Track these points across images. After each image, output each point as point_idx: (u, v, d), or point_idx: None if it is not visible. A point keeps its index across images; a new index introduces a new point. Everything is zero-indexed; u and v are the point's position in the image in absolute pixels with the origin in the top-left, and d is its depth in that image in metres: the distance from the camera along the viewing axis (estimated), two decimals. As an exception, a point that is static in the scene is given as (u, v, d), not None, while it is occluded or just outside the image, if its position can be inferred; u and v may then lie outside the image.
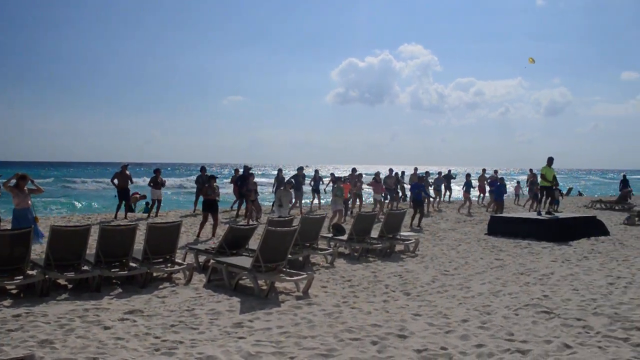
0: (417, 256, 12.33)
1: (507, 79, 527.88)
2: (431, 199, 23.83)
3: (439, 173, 25.97)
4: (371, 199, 23.00)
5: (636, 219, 19.52)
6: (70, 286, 8.60)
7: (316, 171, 23.46)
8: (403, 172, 25.70)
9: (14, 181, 10.55)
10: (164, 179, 20.24)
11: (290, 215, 14.22)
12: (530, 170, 27.47)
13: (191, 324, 6.72)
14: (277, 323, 6.82)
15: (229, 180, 23.63)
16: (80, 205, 33.57)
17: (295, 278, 8.54)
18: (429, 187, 23.60)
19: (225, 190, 28.61)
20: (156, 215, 19.14)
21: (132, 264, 9.00)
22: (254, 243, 10.30)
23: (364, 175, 25.38)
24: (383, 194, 22.12)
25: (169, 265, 9.32)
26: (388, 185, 22.74)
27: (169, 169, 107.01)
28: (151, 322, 6.80)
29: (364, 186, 22.67)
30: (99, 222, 16.21)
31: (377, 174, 22.38)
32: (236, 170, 22.34)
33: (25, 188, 10.56)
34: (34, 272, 8.11)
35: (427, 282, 9.52)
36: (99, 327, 6.53)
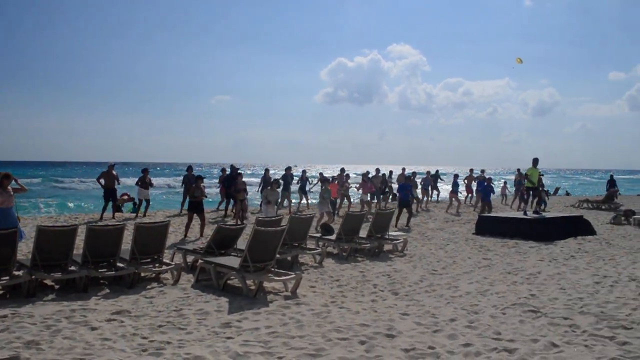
0: (405, 256, 12.36)
1: (495, 79, 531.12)
2: (419, 199, 23.92)
3: (427, 173, 26.05)
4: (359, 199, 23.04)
5: (622, 218, 19.68)
6: (57, 287, 8.54)
7: (303, 171, 23.45)
8: (391, 172, 25.74)
9: None
10: (151, 178, 20.13)
11: (279, 215, 14.20)
12: (518, 170, 27.62)
13: (179, 324, 6.69)
14: (265, 323, 6.81)
15: (217, 180, 23.54)
16: (72, 205, 33.38)
17: (284, 278, 8.54)
18: (417, 188, 23.67)
19: (213, 190, 28.53)
20: (144, 215, 19.06)
21: (120, 264, 8.95)
22: (242, 243, 10.28)
23: (352, 176, 25.45)
24: (370, 195, 22.15)
25: (156, 265, 9.28)
26: (374, 185, 22.78)
27: (159, 168, 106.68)
28: (139, 322, 6.77)
29: (353, 186, 22.71)
30: (86, 222, 16.13)
31: (364, 175, 22.41)
32: (223, 170, 22.28)
33: (9, 187, 10.47)
34: (20, 273, 8.04)
35: (415, 282, 9.54)
36: (85, 327, 6.49)
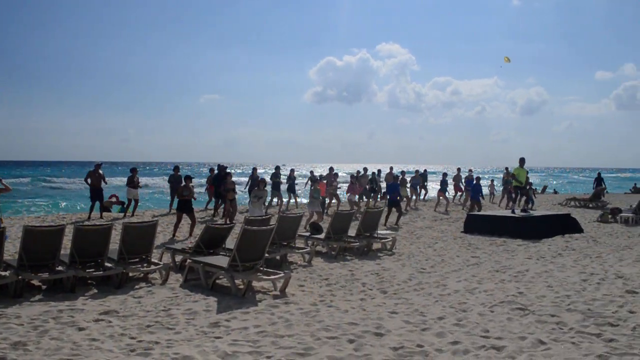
0: (394, 254, 12.38)
1: (484, 79, 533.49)
2: (409, 197, 23.96)
3: (416, 172, 26.11)
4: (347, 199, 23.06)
5: (609, 216, 19.83)
6: (44, 287, 8.48)
7: (292, 170, 23.44)
8: (379, 171, 25.77)
9: None
10: (140, 179, 20.02)
11: (268, 214, 14.19)
12: (506, 168, 27.78)
13: (167, 324, 6.67)
14: (254, 322, 6.80)
15: (206, 180, 23.50)
16: (62, 205, 33.16)
17: (273, 277, 8.53)
18: (406, 186, 23.71)
19: (201, 189, 28.47)
20: (132, 215, 18.96)
21: (108, 264, 8.91)
22: (231, 242, 10.26)
23: (341, 175, 25.48)
24: (358, 195, 22.17)
25: (145, 265, 9.24)
26: (362, 184, 22.81)
27: (148, 168, 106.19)
28: (127, 322, 6.74)
29: (341, 186, 22.72)
30: (74, 222, 16.02)
31: (352, 176, 22.46)
32: (212, 170, 22.22)
33: None
34: (6, 273, 7.97)
35: (404, 280, 9.57)
36: (73, 328, 6.45)
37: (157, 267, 9.22)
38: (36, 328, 6.41)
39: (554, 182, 73.72)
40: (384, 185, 24.13)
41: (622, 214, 19.61)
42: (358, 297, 8.34)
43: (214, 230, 10.39)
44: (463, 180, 25.54)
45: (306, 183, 22.31)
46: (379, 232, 13.39)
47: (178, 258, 10.49)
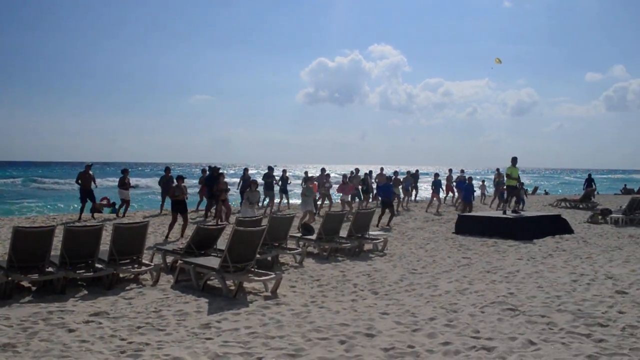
0: (385, 255, 12.40)
1: (475, 80, 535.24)
2: (401, 198, 24.00)
3: (408, 172, 26.15)
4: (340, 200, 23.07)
5: (599, 217, 19.94)
6: (34, 288, 8.44)
7: (284, 171, 23.43)
8: (370, 172, 25.81)
9: None
10: (131, 180, 19.95)
11: (259, 215, 14.17)
12: (497, 169, 27.86)
13: (158, 326, 6.65)
14: (245, 323, 6.79)
15: (198, 181, 23.44)
16: (51, 206, 33.00)
17: (264, 278, 8.52)
18: (400, 187, 23.76)
19: (193, 190, 28.41)
20: (123, 216, 18.91)
21: (98, 265, 8.86)
22: (222, 243, 10.24)
23: (334, 176, 25.48)
24: (350, 196, 22.18)
25: (135, 266, 9.20)
26: (354, 185, 22.83)
27: (140, 169, 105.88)
28: (117, 324, 6.71)
29: (334, 186, 22.72)
30: (64, 223, 15.95)
31: (344, 176, 22.48)
32: (204, 171, 22.18)
33: None
34: (-4, 275, 7.93)
35: (395, 281, 9.58)
36: (63, 329, 6.42)
37: (148, 268, 9.20)
38: (26, 330, 6.38)
39: (546, 184, 74.04)
40: (375, 186, 24.18)
41: (612, 215, 19.71)
42: (349, 298, 8.34)
43: (205, 231, 10.37)
44: (454, 182, 25.63)
45: (302, 184, 22.32)
46: (370, 233, 13.40)
47: (169, 259, 10.47)
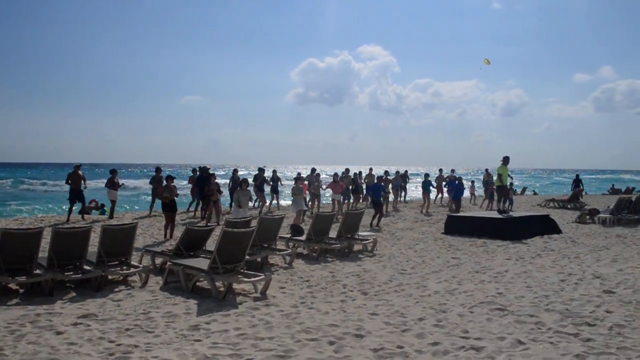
0: (375, 256, 12.41)
1: (464, 81, 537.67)
2: (390, 199, 24.05)
3: (397, 173, 26.20)
4: (330, 200, 23.08)
5: (587, 217, 20.06)
6: (21, 290, 8.37)
7: (274, 171, 23.40)
8: (360, 172, 25.82)
9: None
10: (120, 180, 19.83)
11: (249, 216, 14.14)
12: (486, 170, 27.95)
13: (147, 328, 6.62)
14: (234, 325, 6.78)
15: (187, 181, 23.36)
16: (45, 206, 32.82)
17: (253, 279, 8.50)
18: (389, 186, 23.79)
19: (184, 191, 28.33)
20: (111, 217, 18.80)
21: (86, 267, 8.81)
22: (211, 244, 10.21)
23: (324, 176, 25.48)
24: (342, 195, 22.18)
25: (124, 267, 9.17)
26: (344, 185, 22.82)
27: (130, 169, 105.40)
28: (105, 326, 6.67)
29: (323, 186, 22.72)
30: (53, 225, 15.85)
31: (335, 175, 22.47)
32: (194, 171, 22.12)
33: None
34: (-17, 277, 7.87)
35: (385, 282, 9.59)
36: (51, 332, 6.38)
37: (137, 269, 9.16)
38: (13, 332, 6.33)
39: (536, 183, 74.42)
40: (364, 186, 24.19)
41: (599, 215, 19.85)
42: (339, 298, 8.34)
43: (194, 233, 10.34)
44: (445, 181, 25.68)
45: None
46: (359, 233, 13.41)
47: (158, 260, 10.43)
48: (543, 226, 16.57)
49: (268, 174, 22.90)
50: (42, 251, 8.74)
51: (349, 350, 5.87)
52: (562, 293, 8.52)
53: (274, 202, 23.17)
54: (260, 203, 21.72)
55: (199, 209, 19.48)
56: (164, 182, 15.40)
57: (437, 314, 7.34)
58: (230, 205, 20.04)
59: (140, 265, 9.43)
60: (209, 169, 19.76)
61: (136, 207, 28.00)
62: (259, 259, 10.96)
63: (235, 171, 21.58)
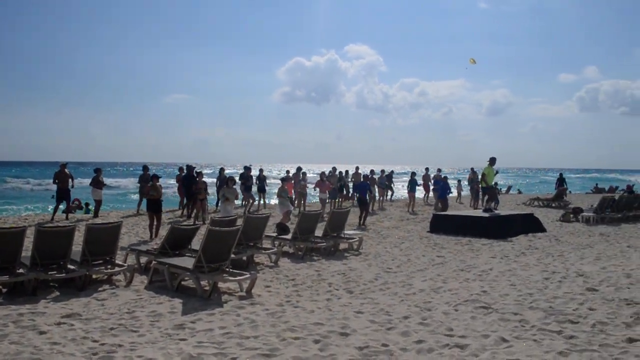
0: (360, 254, 12.44)
1: (450, 80, 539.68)
2: (377, 198, 24.10)
3: (382, 172, 26.26)
4: (317, 198, 23.08)
5: (571, 216, 20.22)
6: (4, 290, 8.28)
7: (260, 170, 23.37)
8: (347, 171, 25.85)
9: None
10: (104, 179, 19.71)
11: (235, 214, 14.09)
12: (472, 169, 28.09)
13: (131, 327, 6.59)
14: (219, 324, 6.77)
15: (175, 179, 23.27)
16: (30, 205, 32.53)
17: (239, 278, 8.49)
18: (375, 186, 23.84)
19: (171, 189, 28.20)
20: (95, 216, 18.68)
21: (70, 266, 8.74)
22: (197, 243, 10.17)
23: (309, 175, 25.46)
24: (329, 193, 22.20)
25: (109, 267, 9.11)
26: (331, 183, 22.86)
27: (117, 168, 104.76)
28: (89, 325, 6.63)
29: (309, 186, 22.72)
30: (37, 223, 15.72)
31: (322, 174, 22.48)
32: (181, 169, 22.05)
33: None
34: (-35, 276, 7.79)
35: (370, 280, 9.62)
36: (34, 332, 6.33)
37: (122, 269, 9.11)
38: (-5, 332, 6.28)
39: (521, 182, 74.86)
40: (351, 185, 24.24)
41: (583, 214, 20.02)
42: (324, 297, 8.35)
43: (179, 231, 10.30)
44: (432, 180, 25.80)
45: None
46: (345, 232, 13.43)
47: (143, 259, 10.38)
48: (527, 225, 16.68)
49: (255, 172, 22.86)
50: (25, 250, 8.66)
51: (334, 348, 5.88)
52: (545, 291, 8.59)
53: (261, 201, 23.14)
54: (249, 201, 21.67)
55: (186, 207, 19.41)
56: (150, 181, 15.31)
57: (422, 312, 7.38)
58: (217, 204, 20.00)
59: (125, 265, 9.38)
60: (194, 168, 19.71)
61: (123, 206, 27.81)
62: (244, 258, 10.94)
63: (221, 170, 21.54)
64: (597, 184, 49.54)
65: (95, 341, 6.04)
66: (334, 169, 24.43)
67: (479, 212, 17.78)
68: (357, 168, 25.84)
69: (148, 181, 17.85)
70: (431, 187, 26.08)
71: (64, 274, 8.48)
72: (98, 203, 19.24)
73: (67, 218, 18.02)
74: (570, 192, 36.61)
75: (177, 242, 10.18)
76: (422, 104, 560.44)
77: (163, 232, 13.45)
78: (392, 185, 28.21)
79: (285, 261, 11.39)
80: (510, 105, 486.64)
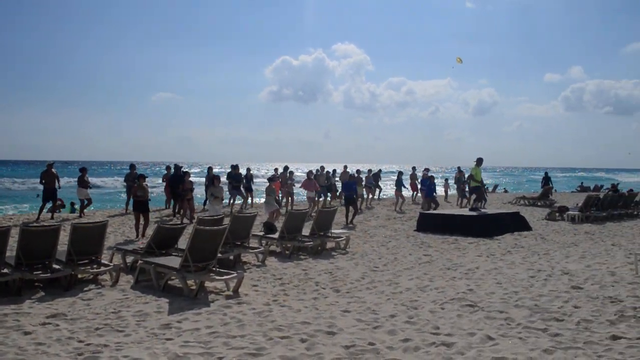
0: (347, 253, 12.45)
1: (437, 79, 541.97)
2: (364, 196, 24.12)
3: (369, 171, 26.29)
4: (304, 197, 23.06)
5: (556, 214, 20.36)
6: (-12, 290, 8.22)
7: (248, 169, 23.32)
8: (334, 170, 25.86)
9: None
10: (89, 178, 19.56)
11: (222, 213, 14.06)
12: (458, 168, 28.19)
13: (117, 327, 6.56)
14: (206, 323, 6.75)
15: (162, 179, 23.17)
16: (15, 205, 32.20)
17: (225, 277, 8.47)
18: (361, 185, 23.85)
19: (157, 189, 28.08)
20: (81, 215, 18.56)
21: (56, 266, 8.69)
22: (183, 242, 10.14)
23: (297, 174, 25.44)
24: (316, 192, 22.19)
25: (94, 266, 9.05)
26: (319, 182, 22.84)
27: (107, 167, 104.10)
28: (75, 325, 6.59)
29: (297, 185, 22.71)
30: (22, 223, 15.58)
31: (309, 173, 22.46)
32: (168, 168, 21.95)
33: None
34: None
35: (357, 279, 9.63)
36: (18, 332, 6.29)
37: (108, 268, 9.06)
38: (-21, 333, 6.22)
39: (506, 180, 75.25)
40: (339, 184, 24.24)
41: (568, 212, 20.16)
42: (311, 296, 8.35)
43: (165, 231, 10.26)
44: (419, 179, 25.84)
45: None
46: (332, 231, 13.43)
47: (129, 259, 10.33)
48: (513, 223, 16.78)
49: (242, 171, 22.79)
50: (10, 250, 8.58)
51: (320, 347, 5.88)
52: (531, 289, 8.65)
53: (249, 200, 23.08)
54: (238, 201, 21.62)
55: (172, 206, 19.34)
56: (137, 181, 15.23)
57: (409, 311, 7.40)
58: (204, 203, 19.95)
59: (111, 264, 9.32)
60: (181, 167, 19.64)
61: (108, 206, 27.63)
62: (231, 257, 10.92)
63: (209, 169, 21.50)
64: (582, 183, 49.96)
65: (80, 341, 6.00)
66: (322, 168, 24.41)
67: (465, 211, 17.86)
68: (345, 167, 25.84)
69: (135, 180, 17.77)
70: (419, 187, 26.12)
71: (49, 274, 8.43)
72: (82, 202, 19.10)
73: (52, 217, 17.88)
74: (555, 190, 36.83)
75: (164, 241, 10.14)
76: (409, 103, 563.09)
77: (150, 231, 13.39)
78: (380, 184, 28.22)
79: (272, 260, 11.38)
80: (496, 105, 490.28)
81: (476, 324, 6.74)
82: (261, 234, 12.86)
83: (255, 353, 5.68)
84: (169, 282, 8.70)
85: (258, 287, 8.91)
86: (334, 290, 8.78)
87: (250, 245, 11.67)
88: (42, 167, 18.42)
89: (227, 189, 20.42)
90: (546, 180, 29.78)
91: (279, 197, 20.66)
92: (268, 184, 18.19)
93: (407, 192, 25.99)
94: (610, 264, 10.83)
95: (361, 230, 16.70)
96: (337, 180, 24.96)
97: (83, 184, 18.84)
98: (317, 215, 13.19)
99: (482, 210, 17.95)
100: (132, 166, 20.60)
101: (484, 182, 23.24)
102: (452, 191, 29.83)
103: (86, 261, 9.05)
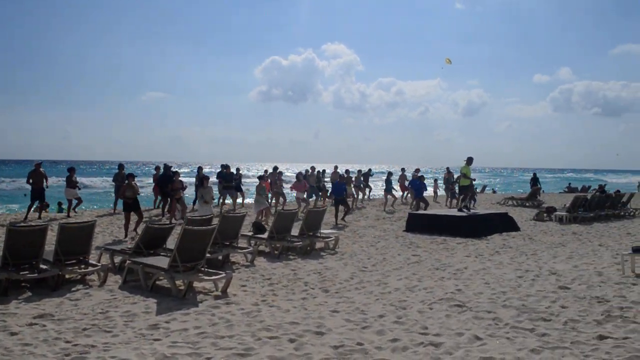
0: (336, 253, 12.46)
1: (427, 80, 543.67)
2: (354, 196, 24.14)
3: (359, 171, 26.31)
4: (294, 198, 23.06)
5: (544, 215, 20.48)
6: (-26, 291, 8.15)
7: (237, 169, 23.26)
8: (324, 171, 25.86)
9: None
10: (77, 178, 19.42)
11: (211, 213, 14.02)
12: (447, 168, 28.27)
13: (105, 327, 6.52)
14: (194, 323, 6.73)
15: (151, 179, 23.06)
16: (11, 205, 31.97)
17: (214, 277, 8.45)
18: (351, 185, 23.86)
19: (148, 189, 27.95)
20: (68, 215, 18.45)
21: (43, 266, 8.62)
22: (172, 242, 10.10)
23: (287, 174, 25.41)
24: (306, 193, 22.18)
25: (82, 266, 9.00)
26: (310, 183, 22.84)
27: (95, 167, 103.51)
28: (62, 326, 6.55)
29: (285, 185, 22.67)
30: (8, 223, 15.47)
31: (299, 174, 22.46)
32: (157, 168, 21.86)
33: None
34: None
35: (346, 279, 9.64)
36: (4, 333, 6.24)
37: (95, 268, 9.01)
38: (-35, 333, 6.17)
39: (495, 180, 75.59)
40: (329, 185, 24.24)
41: (556, 213, 20.28)
42: (300, 296, 8.35)
43: (154, 231, 10.21)
44: (407, 180, 25.89)
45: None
46: (321, 231, 13.44)
47: (117, 259, 10.28)
48: (502, 224, 16.86)
49: (232, 171, 22.73)
50: (-4, 250, 8.52)
51: (309, 347, 5.88)
52: (519, 289, 8.69)
53: (239, 200, 23.03)
54: (224, 200, 21.56)
55: (161, 206, 19.25)
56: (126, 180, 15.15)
57: (397, 311, 7.41)
58: (194, 202, 19.88)
59: (99, 264, 9.27)
60: (171, 167, 19.56)
61: (95, 206, 27.48)
62: (220, 257, 10.89)
63: (199, 169, 21.43)
64: (570, 184, 50.25)
65: (67, 342, 5.96)
66: (313, 168, 24.40)
67: (454, 212, 17.91)
68: (335, 167, 25.86)
69: (123, 180, 17.68)
70: (407, 187, 26.17)
71: (36, 274, 8.36)
72: (70, 202, 18.98)
73: (39, 217, 17.77)
74: (544, 191, 37.06)
75: (152, 241, 10.10)
76: (399, 103, 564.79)
77: (139, 230, 13.34)
78: (370, 184, 28.25)
79: (261, 260, 11.36)
80: (485, 105, 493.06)
81: (464, 324, 6.76)
82: (250, 234, 12.84)
83: (244, 353, 5.67)
84: (157, 282, 8.67)
85: (247, 288, 8.89)
86: (322, 290, 8.78)
87: (239, 245, 11.64)
88: (30, 167, 18.26)
89: (217, 189, 20.37)
90: (534, 181, 29.91)
91: (268, 196, 20.62)
92: (258, 182, 18.16)
93: (397, 193, 26.02)
94: (598, 264, 10.90)
95: (350, 230, 16.71)
96: (327, 181, 24.96)
97: (71, 184, 18.71)
98: (306, 216, 13.18)
99: (471, 210, 18.00)
100: (120, 166, 20.50)
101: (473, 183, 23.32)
102: (441, 192, 29.91)
103: (74, 261, 8.99)
